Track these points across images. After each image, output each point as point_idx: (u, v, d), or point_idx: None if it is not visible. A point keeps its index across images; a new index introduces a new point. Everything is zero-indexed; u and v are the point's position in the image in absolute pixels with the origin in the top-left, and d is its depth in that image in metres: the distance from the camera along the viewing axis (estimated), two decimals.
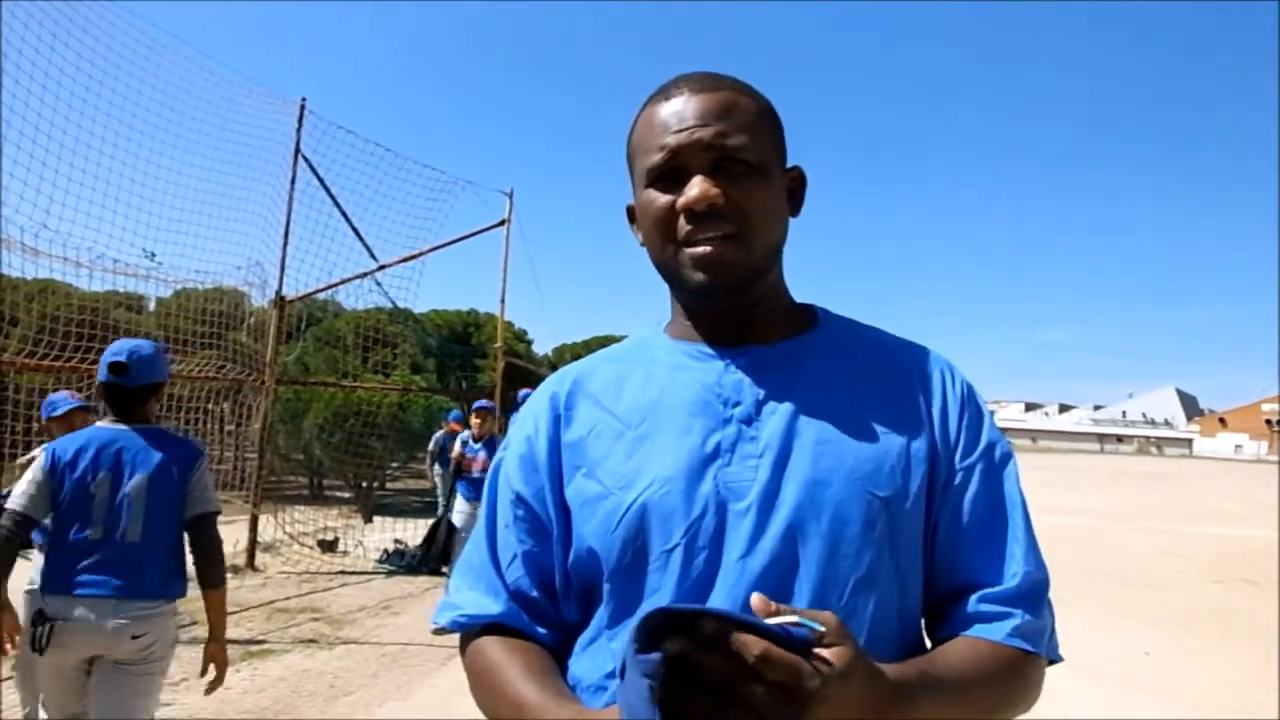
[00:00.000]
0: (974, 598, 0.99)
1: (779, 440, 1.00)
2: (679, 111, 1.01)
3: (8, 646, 3.02)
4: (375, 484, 17.20)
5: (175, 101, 8.58)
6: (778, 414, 1.02)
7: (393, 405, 15.23)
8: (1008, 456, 1.07)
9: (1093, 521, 16.68)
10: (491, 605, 1.08)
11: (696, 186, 0.98)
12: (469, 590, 1.11)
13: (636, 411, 1.07)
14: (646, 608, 0.94)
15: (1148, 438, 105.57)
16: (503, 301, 10.71)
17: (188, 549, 3.14)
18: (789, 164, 1.11)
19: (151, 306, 12.47)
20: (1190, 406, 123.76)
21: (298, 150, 9.50)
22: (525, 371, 17.12)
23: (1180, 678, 6.19)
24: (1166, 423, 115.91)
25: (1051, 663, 1.03)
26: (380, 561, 9.86)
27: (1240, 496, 25.70)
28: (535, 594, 1.08)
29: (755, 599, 0.79)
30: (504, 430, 10.78)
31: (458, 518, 8.07)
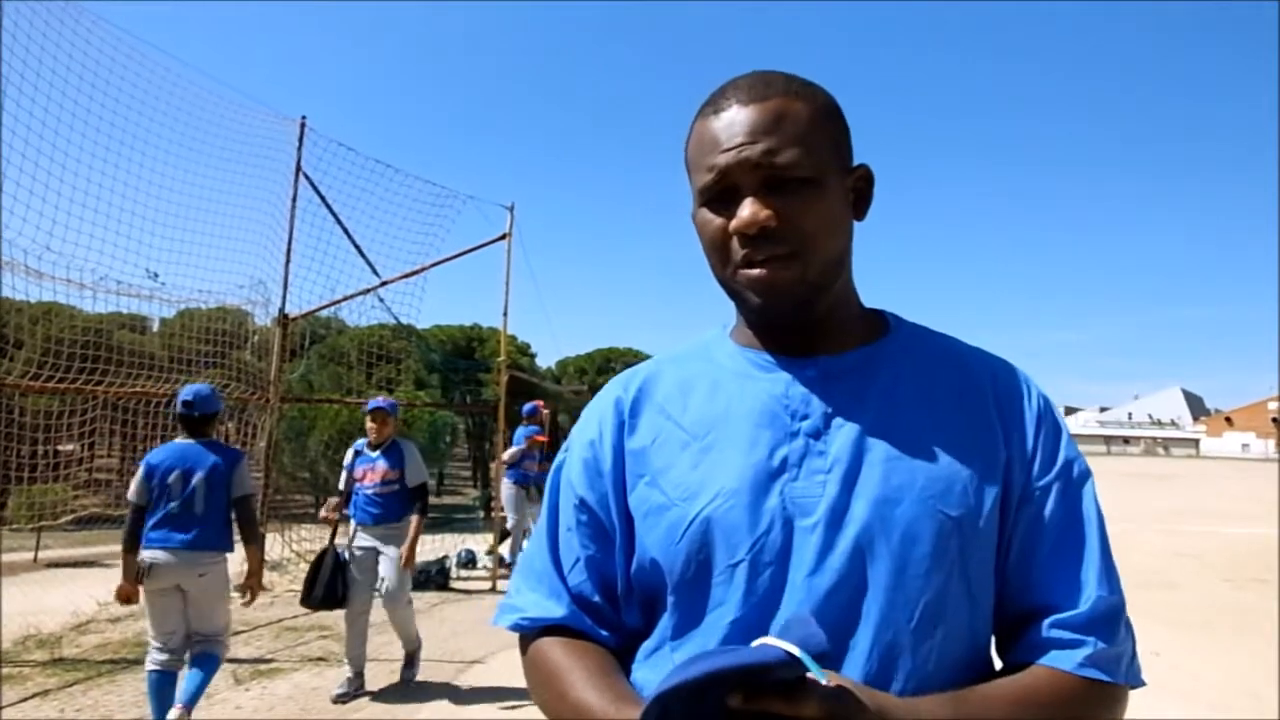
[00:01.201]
0: (1046, 623, 0.96)
1: (848, 455, 0.97)
2: (727, 126, 0.98)
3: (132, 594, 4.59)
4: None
5: (176, 122, 8.62)
6: (846, 428, 0.99)
7: (397, 421, 15.24)
8: (1085, 475, 1.03)
9: None
10: (554, 608, 1.08)
11: (747, 208, 0.95)
12: (531, 592, 1.11)
13: (702, 421, 1.04)
14: (709, 621, 0.96)
15: (1154, 438, 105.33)
16: (505, 315, 10.69)
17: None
18: (855, 163, 1.06)
19: (155, 327, 12.51)
20: (1196, 406, 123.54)
21: (299, 168, 9.53)
22: (529, 385, 17.13)
23: (1194, 678, 6.15)
24: (1173, 423, 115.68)
25: (1132, 688, 0.99)
26: None
27: (1249, 495, 25.61)
28: (597, 599, 1.08)
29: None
30: (508, 443, 10.81)
31: (358, 552, 5.88)
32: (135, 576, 4.51)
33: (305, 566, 10.07)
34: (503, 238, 10.56)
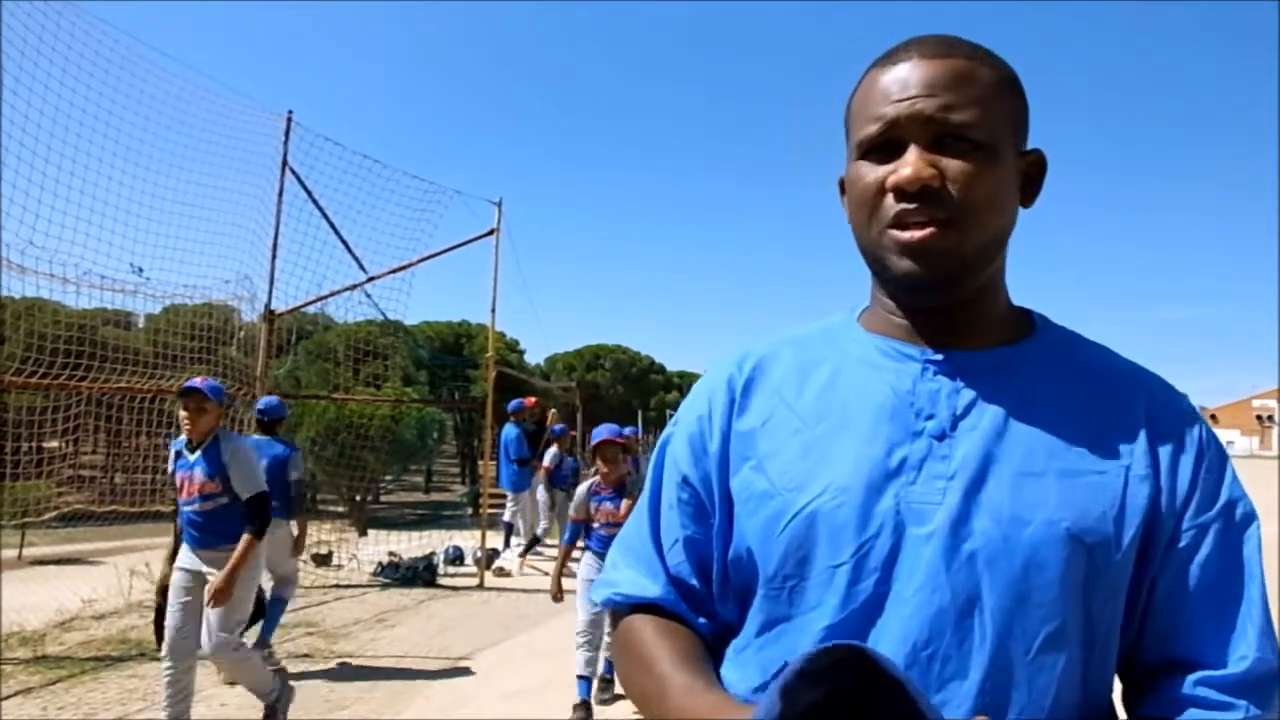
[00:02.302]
0: (1191, 679, 0.86)
1: (975, 463, 0.89)
2: (903, 79, 0.91)
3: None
4: (369, 497, 17.15)
5: (162, 116, 8.54)
6: (976, 432, 0.91)
7: (385, 418, 15.20)
8: (1250, 518, 0.92)
9: None
10: (650, 587, 1.03)
11: (911, 164, 0.88)
12: (627, 569, 1.07)
13: (818, 409, 0.97)
14: (801, 623, 0.90)
15: None
16: (494, 311, 10.66)
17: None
18: (1030, 147, 0.99)
19: (140, 323, 12.43)
20: None
21: (285, 163, 9.47)
22: (518, 381, 17.10)
23: None
24: None
25: None
26: (375, 574, 9.80)
27: None
28: (694, 582, 1.03)
29: None
30: (496, 439, 10.79)
31: (178, 575, 4.64)
32: None
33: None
34: (490, 233, 10.53)
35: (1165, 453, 0.92)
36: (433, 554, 10.28)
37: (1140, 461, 0.91)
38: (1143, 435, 0.92)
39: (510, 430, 11.11)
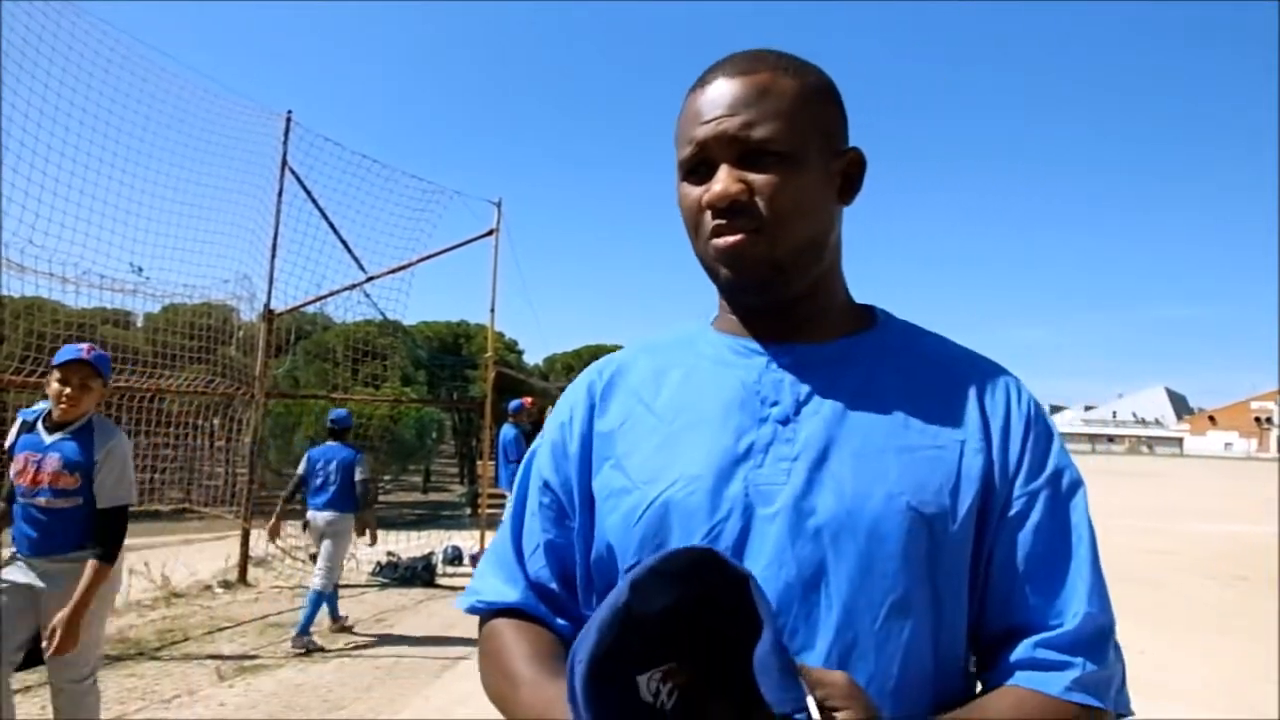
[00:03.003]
0: (1029, 642, 0.91)
1: (817, 444, 0.93)
2: (711, 99, 0.96)
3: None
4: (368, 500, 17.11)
5: (161, 116, 8.56)
6: (818, 417, 0.96)
7: (383, 417, 15.19)
8: (1076, 484, 0.98)
9: None
10: (509, 593, 1.07)
11: (719, 181, 0.93)
12: (491, 576, 1.10)
13: (673, 406, 1.02)
14: None
15: (1138, 437, 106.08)
16: (492, 311, 10.68)
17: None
18: (848, 146, 1.03)
19: (139, 322, 12.43)
20: (1180, 405, 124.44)
21: (284, 163, 9.48)
22: (516, 381, 17.10)
23: (1178, 675, 6.20)
24: (1157, 422, 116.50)
25: (1120, 717, 0.93)
26: (373, 574, 9.80)
27: (1232, 493, 25.84)
28: (554, 585, 1.07)
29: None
30: (495, 440, 10.78)
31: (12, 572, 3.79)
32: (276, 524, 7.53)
33: (290, 562, 10.07)
34: (490, 233, 10.54)
35: (996, 428, 0.97)
36: (431, 554, 10.28)
37: (974, 437, 0.96)
38: (975, 413, 0.98)
39: (509, 431, 11.11)
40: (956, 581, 0.93)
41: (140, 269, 8.44)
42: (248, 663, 6.13)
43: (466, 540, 11.42)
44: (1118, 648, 0.95)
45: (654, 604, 0.72)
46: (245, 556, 9.27)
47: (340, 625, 7.22)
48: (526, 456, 1.15)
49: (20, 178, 6.97)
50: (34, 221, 7.07)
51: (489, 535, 10.47)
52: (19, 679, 5.48)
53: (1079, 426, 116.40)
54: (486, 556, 1.15)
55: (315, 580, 6.91)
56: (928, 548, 0.90)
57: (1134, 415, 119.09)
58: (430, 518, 17.04)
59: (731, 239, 0.94)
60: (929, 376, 1.01)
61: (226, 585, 8.89)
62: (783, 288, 0.98)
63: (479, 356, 16.49)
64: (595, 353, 34.02)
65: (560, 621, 1.06)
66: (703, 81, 0.99)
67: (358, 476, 7.23)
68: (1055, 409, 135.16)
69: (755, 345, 1.03)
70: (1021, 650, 0.91)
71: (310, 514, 7.23)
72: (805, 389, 0.98)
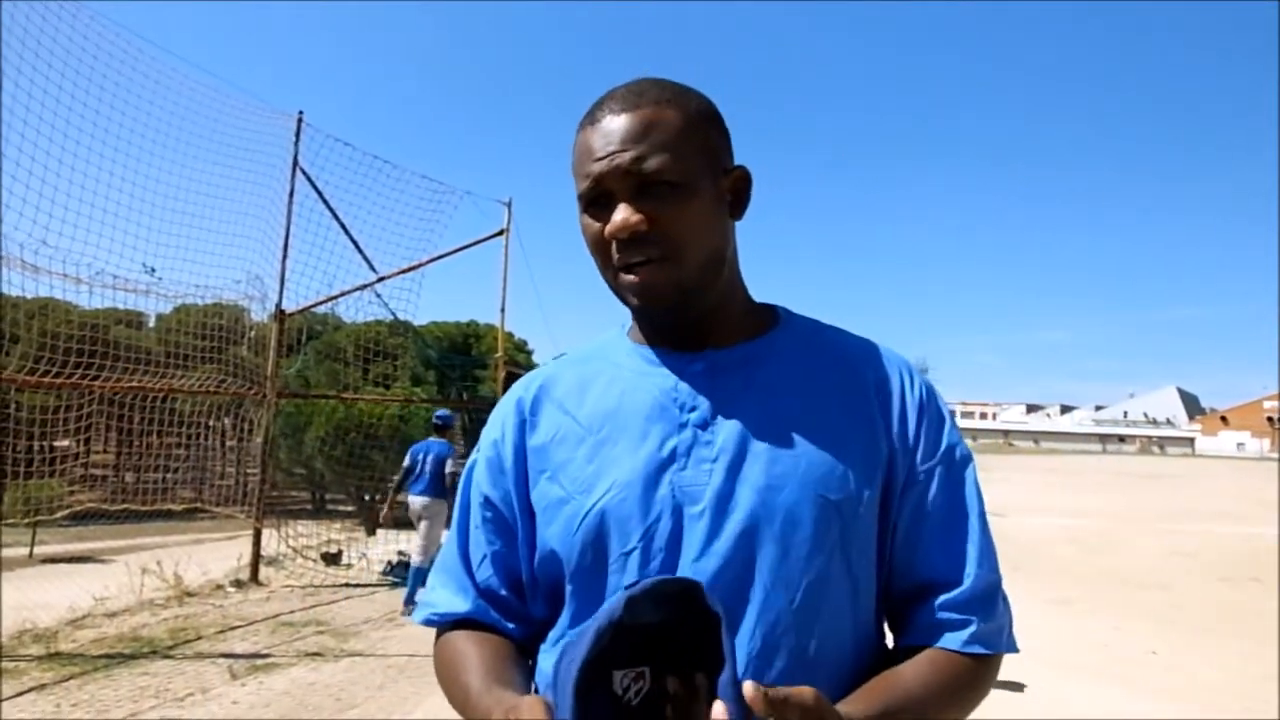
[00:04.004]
0: (932, 605, 1.02)
1: (733, 445, 1.02)
2: (602, 136, 1.01)
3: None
4: (378, 497, 17.17)
5: (174, 117, 8.60)
6: (733, 418, 1.04)
7: (394, 417, 15.23)
8: (967, 459, 1.09)
9: (1098, 523, 16.65)
10: (461, 603, 1.13)
11: (619, 214, 0.99)
12: (442, 589, 1.16)
13: (598, 417, 1.09)
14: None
15: (1150, 437, 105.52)
16: (503, 311, 10.71)
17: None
18: (734, 164, 1.10)
19: (151, 324, 12.49)
20: (1192, 405, 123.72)
21: (296, 163, 9.52)
22: None
23: (1189, 677, 6.17)
24: (1168, 422, 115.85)
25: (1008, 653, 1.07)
26: (384, 574, 9.84)
27: (1244, 495, 25.67)
28: (504, 592, 1.13)
29: (747, 688, 0.77)
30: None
31: None
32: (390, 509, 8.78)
33: (301, 562, 10.11)
34: (500, 233, 10.57)
35: (894, 412, 1.07)
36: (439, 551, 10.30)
37: (875, 423, 1.06)
38: (875, 400, 1.07)
39: None
40: (868, 558, 1.04)
41: (152, 269, 8.49)
42: (260, 661, 6.16)
43: None
44: (1005, 599, 1.07)
45: (641, 618, 0.81)
46: (257, 556, 9.31)
47: (408, 610, 7.93)
48: (465, 471, 1.21)
49: (34, 179, 7.01)
50: (47, 223, 7.11)
51: None
52: (34, 677, 5.54)
53: (1090, 427, 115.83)
54: (435, 571, 1.20)
55: (414, 557, 8.27)
56: (839, 531, 0.99)
57: (1145, 415, 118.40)
58: None
59: (640, 275, 1.01)
60: (830, 368, 1.09)
61: (239, 584, 8.94)
62: (690, 307, 1.05)
63: (489, 356, 16.52)
64: None
65: (511, 625, 1.13)
66: (592, 118, 1.04)
67: (448, 469, 8.23)
68: (1066, 409, 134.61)
69: (670, 354, 1.11)
70: (925, 612, 1.03)
71: (410, 499, 8.32)
72: (720, 393, 1.06)
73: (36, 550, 11.50)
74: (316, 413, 15.23)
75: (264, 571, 9.40)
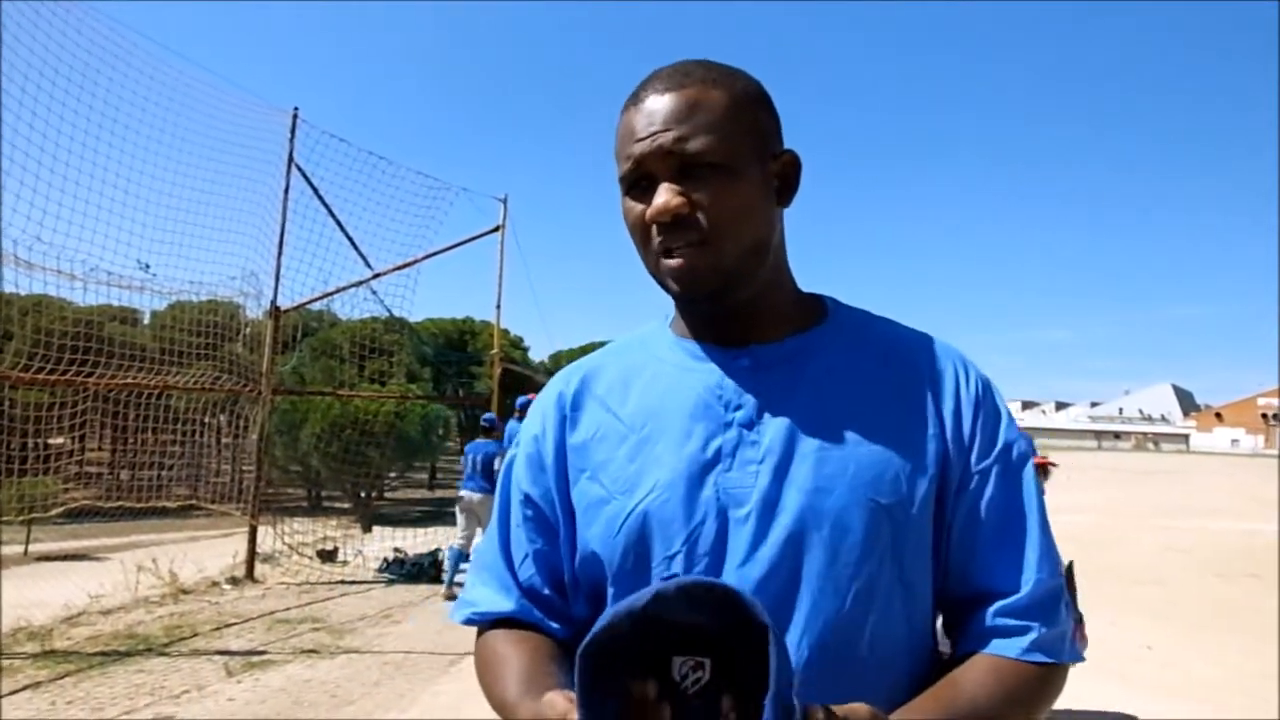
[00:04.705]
0: (990, 611, 0.98)
1: (780, 445, 0.98)
2: (645, 116, 0.98)
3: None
4: (374, 494, 17.17)
5: (168, 112, 8.56)
6: (780, 417, 1.00)
7: (389, 414, 15.21)
8: (1025, 458, 1.03)
9: (1094, 518, 16.69)
10: (504, 602, 1.10)
11: (660, 196, 0.96)
12: (483, 587, 1.13)
13: (640, 414, 1.05)
14: None
15: (1145, 434, 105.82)
16: (498, 308, 10.69)
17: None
18: (783, 149, 1.05)
19: (146, 320, 12.46)
20: (1186, 402, 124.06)
21: (291, 159, 9.48)
22: (522, 378, 17.10)
23: (1184, 673, 6.18)
24: (1163, 419, 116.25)
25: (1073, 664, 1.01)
26: (380, 570, 9.82)
27: (1239, 491, 25.73)
28: (547, 591, 1.09)
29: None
30: (502, 435, 10.79)
31: None
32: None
33: (298, 559, 10.09)
34: (496, 230, 10.55)
35: (948, 409, 1.02)
36: (438, 550, 10.28)
37: (928, 421, 1.01)
38: (928, 396, 1.03)
39: (515, 427, 11.12)
40: (923, 563, 1.00)
41: (147, 266, 8.46)
42: (256, 659, 6.15)
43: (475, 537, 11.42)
44: (1068, 605, 1.02)
45: (674, 614, 0.77)
46: (253, 553, 9.30)
47: (451, 594, 8.80)
48: (504, 467, 1.18)
49: (28, 175, 6.98)
50: (41, 218, 7.09)
51: None
52: (28, 675, 5.52)
53: (1085, 423, 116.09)
54: (475, 569, 1.17)
55: (457, 542, 9.04)
56: (890, 536, 0.95)
57: (1140, 412, 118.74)
58: (436, 514, 17.05)
59: (680, 259, 0.97)
60: (881, 364, 1.05)
61: (234, 581, 8.92)
62: (732, 294, 1.01)
63: (484, 353, 16.50)
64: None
65: (554, 625, 1.09)
66: (635, 99, 1.01)
67: (496, 465, 8.75)
68: (1061, 405, 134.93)
69: (714, 349, 1.06)
70: (983, 618, 0.98)
71: (462, 493, 9.07)
72: (765, 391, 1.02)
73: (31, 548, 11.48)
74: (312, 410, 15.22)
75: (260, 569, 9.39)
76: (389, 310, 10.93)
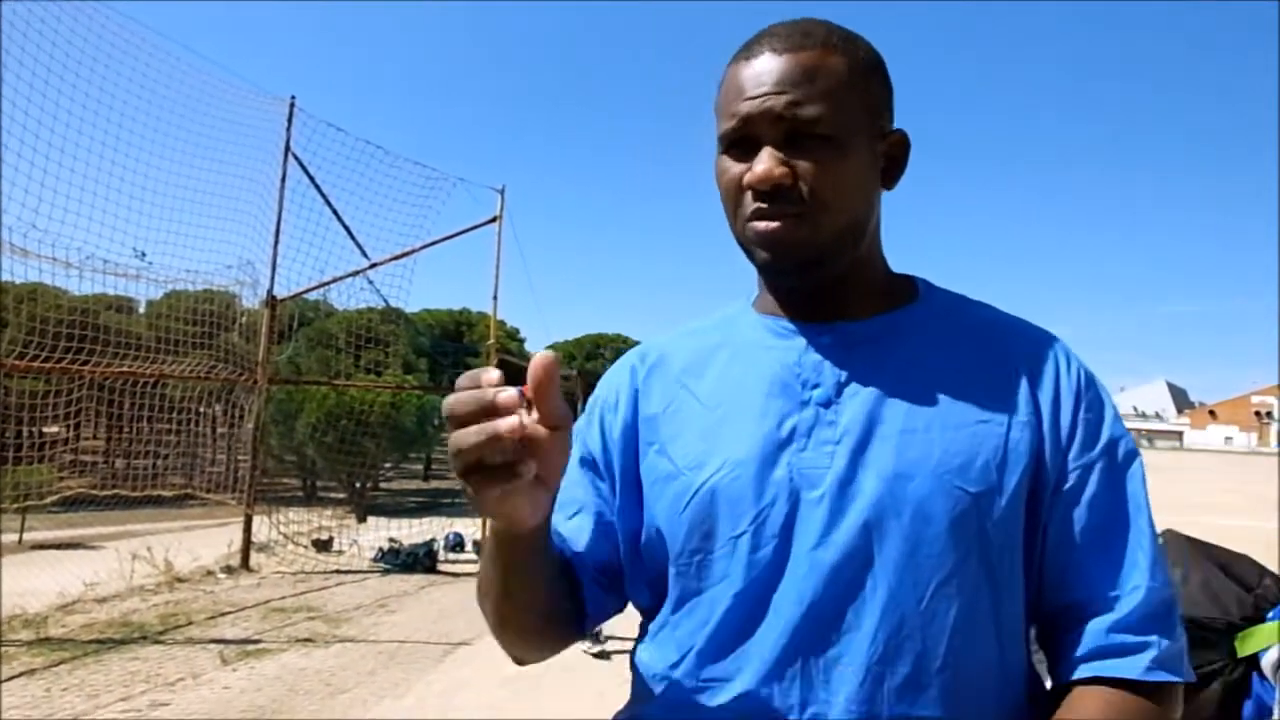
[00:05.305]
0: (1101, 627, 0.89)
1: (859, 426, 0.92)
2: (757, 74, 0.92)
3: None
4: (369, 484, 17.18)
5: (165, 100, 8.54)
6: (860, 397, 0.94)
7: (385, 405, 15.22)
8: (1132, 455, 0.96)
9: None
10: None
11: (762, 162, 0.90)
12: None
13: (716, 392, 1.01)
14: (711, 595, 0.93)
15: (1139, 430, 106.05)
16: (495, 299, 10.67)
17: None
18: (893, 127, 1.00)
19: (142, 309, 12.44)
20: (1181, 399, 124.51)
21: (288, 148, 9.46)
22: (518, 370, 17.10)
23: None
24: (1157, 415, 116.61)
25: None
26: (375, 560, 9.84)
27: (1234, 488, 25.83)
28: (583, 543, 1.04)
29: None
30: None
31: None
32: None
33: (292, 549, 10.10)
34: (493, 220, 10.53)
35: (1046, 398, 0.95)
36: (433, 540, 10.32)
37: (1022, 409, 0.94)
38: (1024, 384, 0.95)
39: None
40: (1011, 560, 0.92)
41: (143, 254, 8.45)
42: (251, 647, 6.16)
43: (469, 527, 11.45)
44: (1181, 618, 0.93)
45: None
46: (248, 542, 9.30)
47: None
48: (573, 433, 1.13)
49: (24, 162, 6.96)
50: (37, 206, 7.07)
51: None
52: (23, 662, 5.52)
53: None
54: None
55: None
56: (976, 526, 0.88)
57: (1134, 409, 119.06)
58: (431, 505, 17.10)
59: (772, 224, 0.92)
60: (973, 347, 0.98)
61: (229, 570, 8.93)
62: (819, 271, 0.96)
63: (481, 344, 16.49)
64: (597, 342, 34.01)
65: (579, 570, 1.03)
66: (748, 53, 0.95)
67: None
68: None
69: (794, 326, 1.01)
70: (1093, 633, 0.89)
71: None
72: (846, 369, 0.96)
73: (26, 536, 11.46)
74: (308, 399, 15.23)
75: (255, 558, 9.39)
76: (385, 300, 10.92)
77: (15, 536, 11.29)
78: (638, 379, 1.08)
